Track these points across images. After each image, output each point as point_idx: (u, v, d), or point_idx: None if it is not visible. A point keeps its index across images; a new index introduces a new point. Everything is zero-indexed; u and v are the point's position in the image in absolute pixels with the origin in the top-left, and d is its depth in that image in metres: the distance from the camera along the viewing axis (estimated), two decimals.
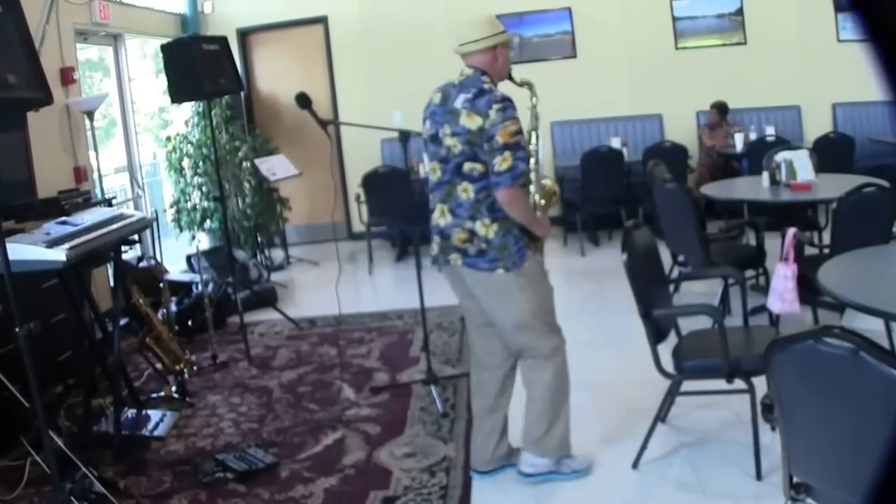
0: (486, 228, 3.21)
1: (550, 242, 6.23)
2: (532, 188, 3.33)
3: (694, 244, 4.94)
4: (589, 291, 6.16)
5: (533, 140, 3.37)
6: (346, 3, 9.03)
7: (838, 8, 8.27)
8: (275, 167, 7.73)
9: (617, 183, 7.59)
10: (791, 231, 3.73)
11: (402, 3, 8.92)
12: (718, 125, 8.20)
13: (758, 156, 6.55)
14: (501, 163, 3.09)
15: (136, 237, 4.96)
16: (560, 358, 3.39)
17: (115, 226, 4.07)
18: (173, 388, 4.76)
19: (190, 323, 5.89)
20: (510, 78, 3.36)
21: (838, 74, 8.16)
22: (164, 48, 5.72)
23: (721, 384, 3.36)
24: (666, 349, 3.48)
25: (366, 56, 9.05)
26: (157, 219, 6.73)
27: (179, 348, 4.94)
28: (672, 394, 3.54)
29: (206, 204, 7.94)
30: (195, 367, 5.08)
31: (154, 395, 4.80)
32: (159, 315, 5.03)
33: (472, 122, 3.13)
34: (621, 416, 3.99)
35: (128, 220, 4.24)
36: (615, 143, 7.89)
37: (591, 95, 8.79)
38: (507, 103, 3.12)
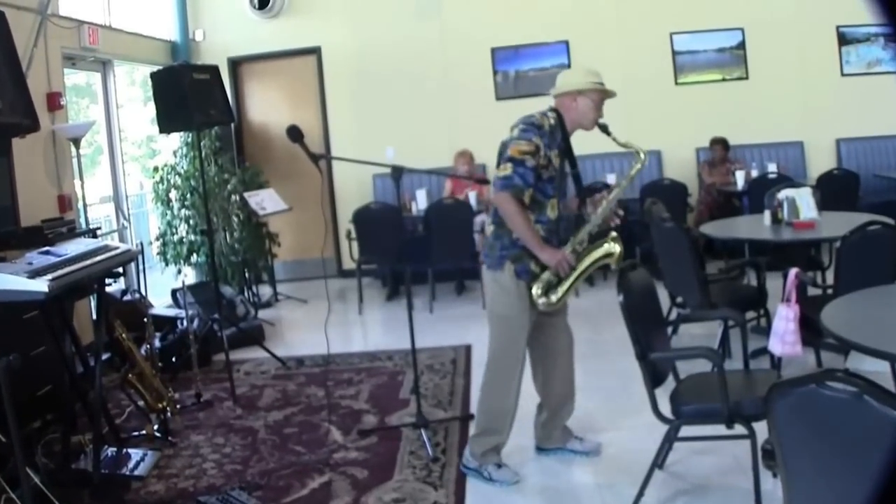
0: (490, 227, 3.79)
1: None
2: (586, 229, 3.74)
3: (693, 285, 4.88)
4: (584, 333, 6.06)
5: (612, 194, 3.87)
6: (339, 35, 9.01)
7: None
8: (264, 201, 7.68)
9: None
10: (793, 271, 3.69)
11: (396, 36, 8.91)
12: (721, 162, 8.15)
13: (759, 193, 6.49)
14: (502, 170, 3.57)
15: (120, 270, 4.88)
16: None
17: (99, 257, 3.99)
18: (155, 427, 4.65)
19: (174, 359, 5.79)
20: (606, 132, 3.87)
21: (842, 109, 8.16)
22: (153, 76, 5.67)
23: (721, 429, 3.29)
24: (664, 393, 3.41)
25: (359, 89, 9.02)
26: (142, 251, 6.65)
27: (162, 385, 4.84)
28: (670, 439, 3.48)
29: (192, 237, 7.88)
30: (178, 406, 4.96)
31: (135, 433, 4.69)
32: (142, 351, 4.95)
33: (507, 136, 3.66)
34: (617, 462, 3.90)
35: (112, 252, 4.16)
36: (611, 179, 7.83)
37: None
38: (530, 127, 3.59)
